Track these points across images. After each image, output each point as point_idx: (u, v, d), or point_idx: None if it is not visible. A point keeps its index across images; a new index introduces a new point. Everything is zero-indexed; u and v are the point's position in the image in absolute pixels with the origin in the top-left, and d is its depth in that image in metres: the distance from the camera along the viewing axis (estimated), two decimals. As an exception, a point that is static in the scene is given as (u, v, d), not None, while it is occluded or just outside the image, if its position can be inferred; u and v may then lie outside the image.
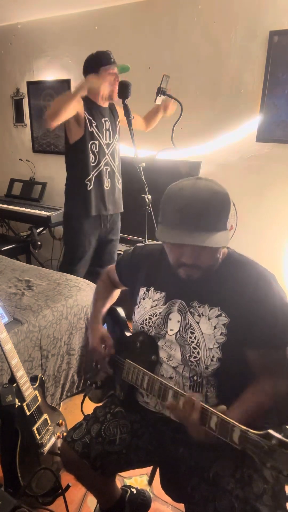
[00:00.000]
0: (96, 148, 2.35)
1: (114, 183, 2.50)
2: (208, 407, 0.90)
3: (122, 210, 2.62)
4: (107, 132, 2.40)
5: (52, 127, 2.13)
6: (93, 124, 2.31)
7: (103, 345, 1.31)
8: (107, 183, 2.46)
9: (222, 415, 0.85)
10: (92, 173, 2.37)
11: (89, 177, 2.37)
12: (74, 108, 2.16)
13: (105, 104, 2.39)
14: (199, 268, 1.03)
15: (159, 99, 2.31)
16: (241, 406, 0.98)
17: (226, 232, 1.00)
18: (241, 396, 1.01)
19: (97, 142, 2.35)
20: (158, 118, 2.58)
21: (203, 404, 0.91)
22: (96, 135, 2.33)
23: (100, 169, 2.40)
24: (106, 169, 2.43)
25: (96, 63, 2.25)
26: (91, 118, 2.30)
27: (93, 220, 2.46)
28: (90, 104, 2.32)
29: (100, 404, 1.35)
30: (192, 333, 1.08)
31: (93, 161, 2.36)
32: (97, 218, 2.48)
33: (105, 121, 2.38)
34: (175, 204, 0.98)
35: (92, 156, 2.35)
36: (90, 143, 2.32)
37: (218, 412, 0.87)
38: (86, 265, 2.59)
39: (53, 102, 2.28)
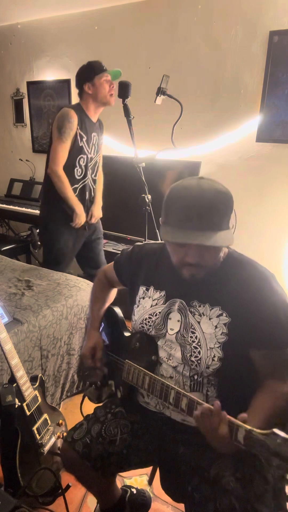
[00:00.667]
0: (84, 162, 2.38)
1: (93, 195, 2.54)
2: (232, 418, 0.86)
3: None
4: (93, 146, 2.43)
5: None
6: (84, 139, 2.33)
7: (94, 354, 1.32)
8: (88, 196, 2.49)
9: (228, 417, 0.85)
10: (76, 186, 2.39)
11: (71, 189, 2.38)
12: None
13: (95, 118, 2.41)
14: (203, 268, 1.03)
15: (159, 99, 2.30)
16: (259, 413, 0.96)
17: (229, 231, 1.00)
18: (254, 404, 0.99)
19: (84, 156, 2.37)
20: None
21: (230, 417, 0.87)
22: (85, 149, 2.36)
23: (85, 182, 2.43)
24: (89, 182, 2.46)
25: (89, 73, 2.27)
26: (82, 133, 2.31)
27: (72, 228, 2.47)
28: (83, 116, 2.33)
29: (100, 404, 1.35)
30: (193, 332, 1.08)
31: (79, 174, 2.38)
32: (77, 228, 2.49)
33: (93, 136, 2.41)
34: (180, 203, 0.98)
35: (79, 169, 2.38)
36: (79, 157, 2.35)
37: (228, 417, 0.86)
38: (65, 268, 2.58)
39: (63, 181, 2.30)
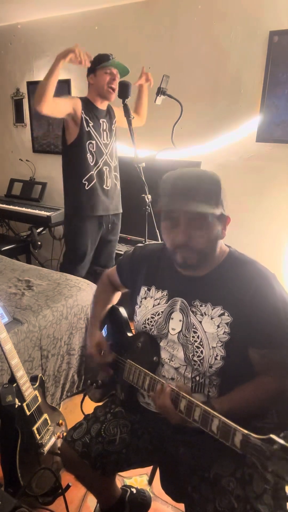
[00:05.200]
0: (93, 148, 2.37)
1: (114, 183, 2.53)
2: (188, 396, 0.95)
3: (121, 211, 2.64)
4: (104, 132, 2.43)
5: (42, 111, 2.14)
6: (90, 124, 2.34)
7: (101, 351, 1.30)
8: (107, 183, 2.47)
9: (224, 418, 0.85)
10: (92, 172, 2.39)
11: (87, 177, 2.38)
12: (54, 83, 2.15)
13: (103, 106, 2.43)
14: (194, 251, 1.04)
15: (159, 99, 2.31)
16: (227, 398, 1.00)
17: (216, 209, 1.01)
18: (237, 389, 1.03)
19: (94, 142, 2.37)
20: (144, 100, 2.64)
21: (173, 387, 0.98)
22: (93, 135, 2.36)
23: (99, 168, 2.42)
24: (106, 168, 2.45)
25: (93, 64, 2.29)
26: (88, 118, 2.33)
27: (94, 220, 2.48)
28: (88, 105, 2.36)
29: (100, 404, 1.35)
30: (195, 332, 1.08)
31: (91, 160, 2.38)
32: (98, 218, 2.49)
33: (103, 122, 2.42)
34: (168, 181, 1.05)
35: (90, 156, 2.37)
36: (87, 143, 2.35)
37: (202, 405, 0.89)
38: (86, 265, 2.60)
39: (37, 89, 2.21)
